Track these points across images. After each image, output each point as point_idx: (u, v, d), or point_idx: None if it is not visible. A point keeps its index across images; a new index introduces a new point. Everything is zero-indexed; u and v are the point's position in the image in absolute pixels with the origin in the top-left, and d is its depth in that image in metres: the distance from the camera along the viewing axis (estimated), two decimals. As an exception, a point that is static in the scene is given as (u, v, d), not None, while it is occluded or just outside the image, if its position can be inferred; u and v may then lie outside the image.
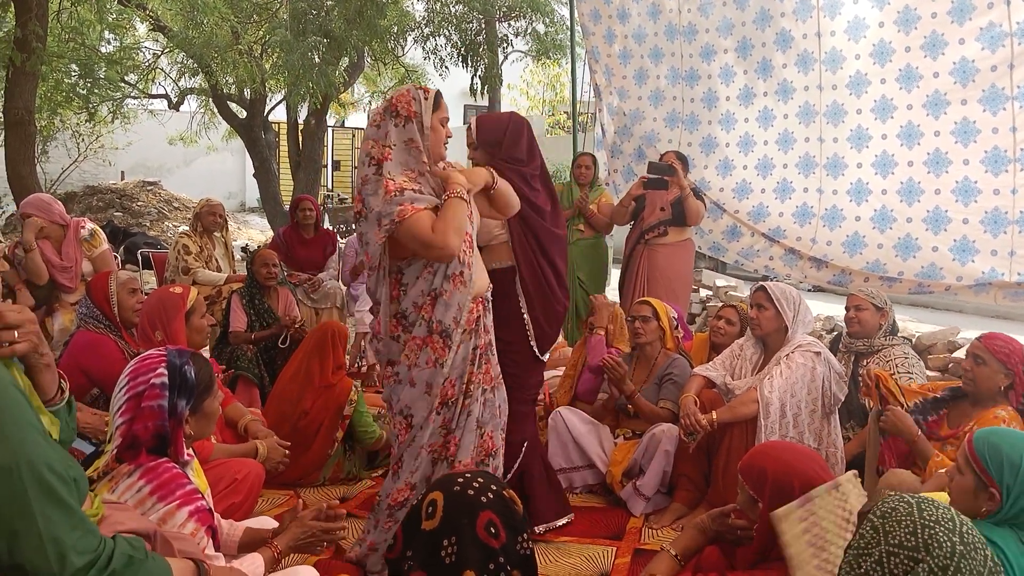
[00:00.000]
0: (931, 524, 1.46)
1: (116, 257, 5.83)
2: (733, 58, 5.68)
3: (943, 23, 4.49)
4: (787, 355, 3.59)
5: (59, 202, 5.24)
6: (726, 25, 5.65)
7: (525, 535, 1.56)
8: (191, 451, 2.28)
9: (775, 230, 5.49)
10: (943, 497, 2.24)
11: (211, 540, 2.14)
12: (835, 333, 5.14)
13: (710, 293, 7.60)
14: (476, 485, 1.54)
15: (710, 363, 3.90)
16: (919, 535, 1.46)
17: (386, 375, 2.94)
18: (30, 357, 1.70)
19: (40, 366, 1.73)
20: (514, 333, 3.42)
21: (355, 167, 21.79)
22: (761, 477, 2.21)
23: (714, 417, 3.52)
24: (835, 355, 3.91)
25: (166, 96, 14.20)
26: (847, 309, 4.06)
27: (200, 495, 2.15)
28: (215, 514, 2.30)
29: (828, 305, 7.31)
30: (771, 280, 4.34)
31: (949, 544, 1.44)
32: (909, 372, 3.76)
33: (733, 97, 5.74)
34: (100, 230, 5.38)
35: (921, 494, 1.66)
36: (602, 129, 6.87)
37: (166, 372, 2.17)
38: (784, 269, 5.51)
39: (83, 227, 5.19)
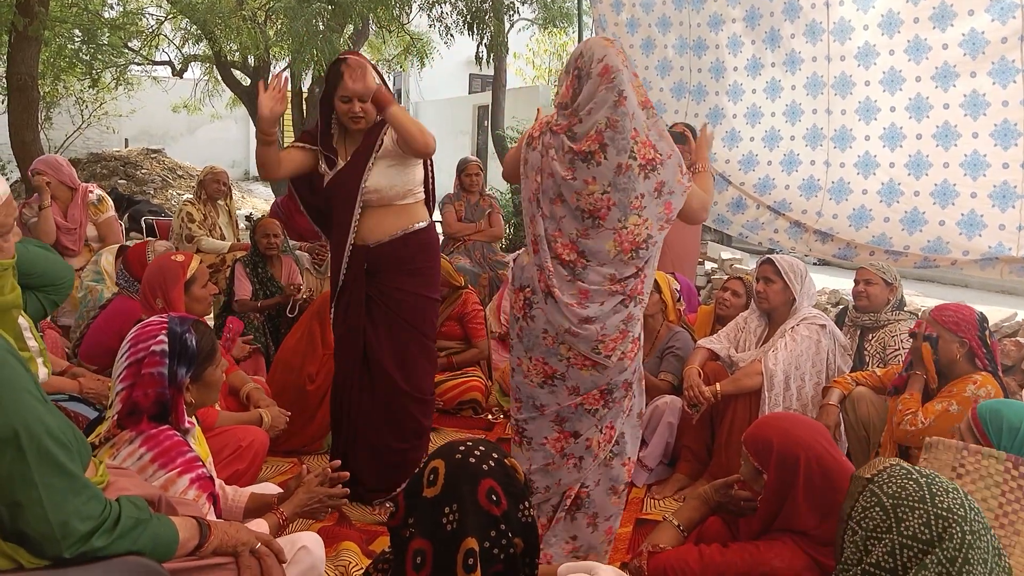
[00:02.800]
0: (944, 515, 1.46)
1: (120, 225, 5.83)
2: (741, 28, 5.61)
3: (953, -7, 4.43)
4: (792, 327, 3.59)
5: (70, 165, 5.26)
6: (735, -6, 5.58)
7: (527, 503, 1.56)
8: (192, 419, 2.28)
9: (781, 203, 5.45)
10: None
11: (212, 507, 2.15)
12: (841, 307, 5.13)
13: (715, 266, 7.58)
14: (477, 453, 1.54)
15: (714, 335, 3.89)
16: (932, 527, 1.45)
17: (630, 351, 2.71)
18: None
19: None
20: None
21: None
22: (766, 448, 2.21)
23: (718, 389, 3.53)
24: (841, 328, 3.90)
25: (170, 63, 14.10)
26: (856, 283, 4.05)
27: (201, 463, 2.16)
28: (217, 481, 2.31)
29: (834, 279, 7.29)
30: (777, 253, 4.32)
31: (959, 535, 1.44)
32: (914, 347, 3.75)
33: (741, 67, 5.67)
34: (108, 197, 5.40)
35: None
36: (608, 99, 6.80)
37: (166, 339, 2.17)
38: (789, 242, 5.49)
39: (91, 192, 5.22)
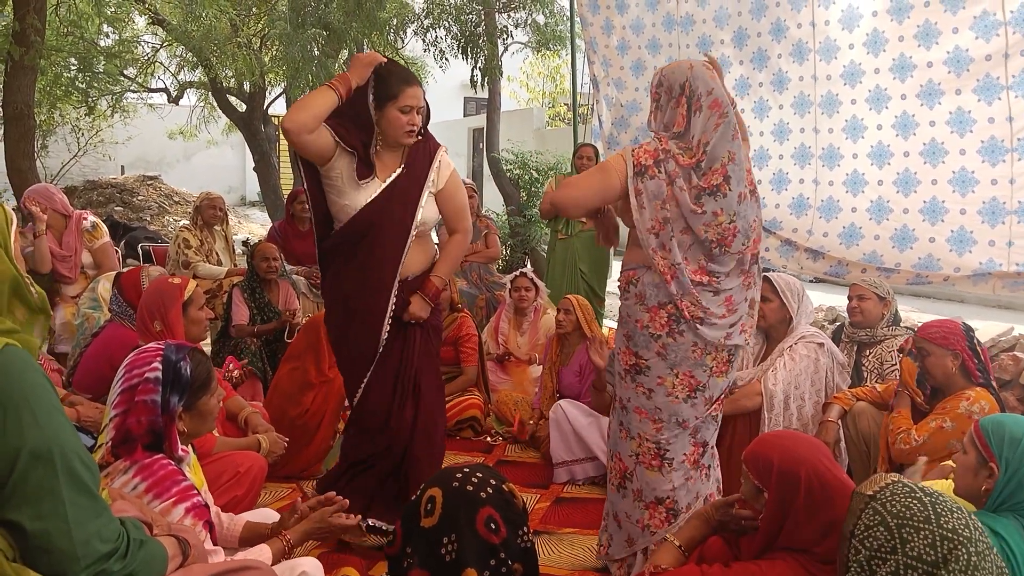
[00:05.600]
0: (950, 536, 1.45)
1: (117, 251, 5.84)
2: (729, 49, 5.66)
3: (936, 12, 4.46)
4: (790, 347, 3.58)
5: (62, 192, 5.28)
6: (722, 15, 5.63)
7: (525, 528, 1.56)
8: (187, 447, 2.29)
9: (771, 222, 5.48)
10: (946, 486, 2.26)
11: (209, 535, 2.15)
12: (837, 323, 5.14)
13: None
14: (475, 480, 1.53)
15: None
16: (938, 548, 1.44)
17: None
18: None
19: None
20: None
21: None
22: (767, 466, 2.20)
23: (717, 409, 3.53)
24: (837, 345, 3.91)
25: (165, 90, 14.17)
26: (850, 299, 4.06)
27: (196, 491, 2.16)
28: (213, 509, 2.31)
29: (830, 296, 7.31)
30: (770, 272, 4.35)
31: (966, 557, 1.44)
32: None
33: (729, 88, 5.72)
34: (102, 223, 5.42)
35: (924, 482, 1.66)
36: (599, 120, 6.86)
37: (160, 367, 2.17)
38: (780, 260, 5.51)
39: (85, 219, 5.24)
